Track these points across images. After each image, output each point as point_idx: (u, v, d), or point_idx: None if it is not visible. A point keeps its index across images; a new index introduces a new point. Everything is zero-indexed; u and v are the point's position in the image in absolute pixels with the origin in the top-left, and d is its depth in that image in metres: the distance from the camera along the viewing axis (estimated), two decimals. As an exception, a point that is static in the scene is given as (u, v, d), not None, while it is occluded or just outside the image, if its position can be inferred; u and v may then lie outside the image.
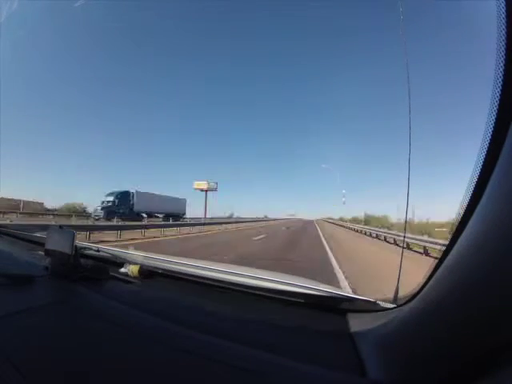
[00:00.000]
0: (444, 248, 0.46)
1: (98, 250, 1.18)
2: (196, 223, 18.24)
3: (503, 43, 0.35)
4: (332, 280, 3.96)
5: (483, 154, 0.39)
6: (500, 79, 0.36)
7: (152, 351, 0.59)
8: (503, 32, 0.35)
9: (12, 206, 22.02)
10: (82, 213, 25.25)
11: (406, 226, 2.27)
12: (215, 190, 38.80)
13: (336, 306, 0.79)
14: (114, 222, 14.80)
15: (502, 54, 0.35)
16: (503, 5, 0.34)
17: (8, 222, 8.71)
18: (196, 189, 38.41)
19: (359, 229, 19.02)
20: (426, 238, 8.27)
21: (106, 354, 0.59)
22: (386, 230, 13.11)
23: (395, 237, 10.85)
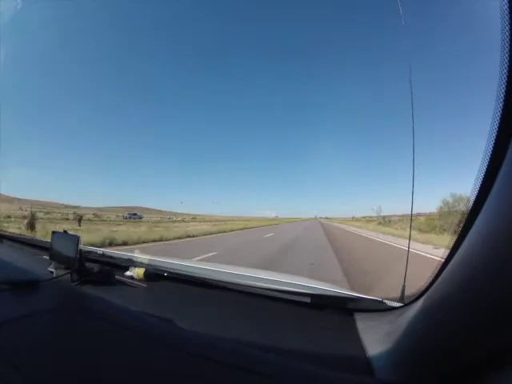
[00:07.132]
0: (451, 247, 0.45)
1: (102, 254, 1.19)
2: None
3: (507, 40, 0.34)
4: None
5: (489, 151, 0.38)
6: (505, 75, 0.35)
7: (158, 354, 0.59)
8: (507, 28, 0.34)
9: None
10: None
11: (411, 223, 2.24)
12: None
13: (342, 306, 0.78)
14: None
15: (507, 47, 0.35)
16: (505, 1, 0.34)
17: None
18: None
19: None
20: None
21: (110, 357, 0.59)
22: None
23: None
